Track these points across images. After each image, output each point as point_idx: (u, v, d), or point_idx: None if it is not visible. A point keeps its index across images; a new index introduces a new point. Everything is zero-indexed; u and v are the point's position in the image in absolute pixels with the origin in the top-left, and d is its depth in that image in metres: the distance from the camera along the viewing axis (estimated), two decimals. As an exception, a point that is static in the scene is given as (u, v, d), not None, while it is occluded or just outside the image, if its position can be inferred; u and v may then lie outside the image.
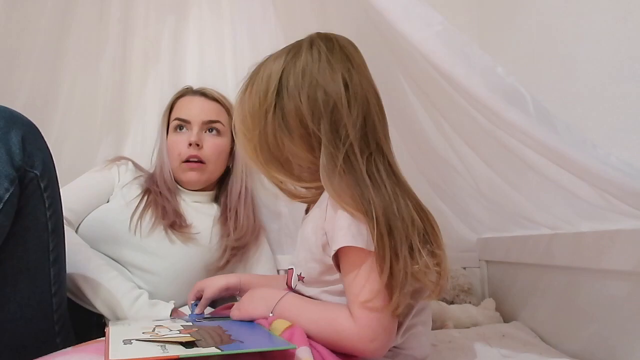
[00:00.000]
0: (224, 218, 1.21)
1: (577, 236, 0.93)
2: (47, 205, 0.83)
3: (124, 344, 0.61)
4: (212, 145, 1.21)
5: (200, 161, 1.20)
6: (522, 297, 1.20)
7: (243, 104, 0.81)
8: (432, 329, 1.12)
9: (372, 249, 0.67)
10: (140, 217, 1.11)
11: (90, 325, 1.01)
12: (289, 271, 0.84)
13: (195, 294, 1.00)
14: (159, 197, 1.15)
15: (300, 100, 0.74)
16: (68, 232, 0.94)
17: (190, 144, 1.18)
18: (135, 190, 1.18)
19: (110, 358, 0.55)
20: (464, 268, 1.42)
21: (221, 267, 1.16)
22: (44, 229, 0.84)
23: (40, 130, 0.83)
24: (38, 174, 0.81)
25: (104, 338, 0.69)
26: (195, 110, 1.23)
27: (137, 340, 0.64)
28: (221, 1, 1.48)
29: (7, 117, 0.78)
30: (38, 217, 0.82)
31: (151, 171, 1.26)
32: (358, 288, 0.68)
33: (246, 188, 1.26)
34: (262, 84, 0.79)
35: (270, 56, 0.83)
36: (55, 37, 1.33)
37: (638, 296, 0.79)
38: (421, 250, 0.69)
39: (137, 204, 1.14)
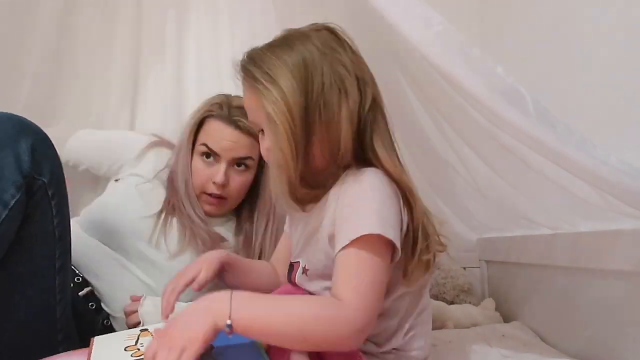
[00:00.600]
0: (245, 249, 1.14)
1: (577, 236, 0.93)
2: (54, 213, 0.84)
3: None
4: (238, 182, 1.12)
5: (222, 197, 1.12)
6: (522, 297, 1.20)
7: (279, 93, 0.73)
8: (432, 329, 1.12)
9: (390, 236, 0.67)
10: (165, 235, 1.08)
11: (95, 330, 1.01)
12: (294, 265, 0.84)
13: (185, 284, 0.84)
14: (187, 219, 1.09)
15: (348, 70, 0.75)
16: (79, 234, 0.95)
17: (214, 183, 1.09)
18: (156, 197, 1.13)
19: None
20: (464, 268, 1.43)
21: None
22: (51, 237, 0.84)
23: (43, 126, 0.84)
24: (46, 181, 0.81)
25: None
26: (227, 144, 1.09)
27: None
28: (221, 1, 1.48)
29: (17, 124, 0.79)
30: (45, 224, 0.83)
31: (171, 173, 1.18)
32: (360, 273, 0.66)
33: (274, 217, 1.16)
34: (297, 67, 0.74)
35: (286, 42, 0.78)
36: (58, 36, 1.33)
37: (638, 296, 0.79)
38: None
39: (158, 217, 1.09)
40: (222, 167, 1.09)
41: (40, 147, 0.81)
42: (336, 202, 0.73)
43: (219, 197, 1.12)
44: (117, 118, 1.41)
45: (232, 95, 1.15)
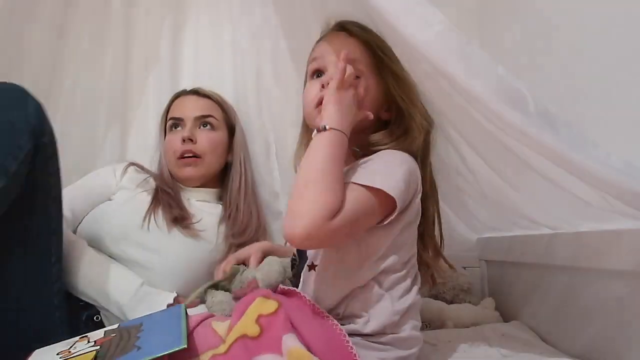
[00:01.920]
0: (226, 215, 1.21)
1: (577, 236, 0.93)
2: (51, 172, 0.90)
3: None
4: (206, 139, 1.23)
5: (195, 155, 1.22)
6: (522, 296, 1.20)
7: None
8: (432, 329, 1.12)
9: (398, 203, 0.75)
10: (153, 214, 1.12)
11: (79, 321, 1.01)
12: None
13: (237, 261, 1.02)
14: (164, 194, 1.17)
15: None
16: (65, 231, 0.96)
17: (184, 140, 1.21)
18: (142, 190, 1.18)
19: None
20: (464, 267, 1.42)
21: None
22: (48, 197, 0.90)
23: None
24: (47, 143, 0.88)
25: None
26: (188, 107, 1.26)
27: None
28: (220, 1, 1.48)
29: (23, 90, 0.88)
30: (44, 183, 0.89)
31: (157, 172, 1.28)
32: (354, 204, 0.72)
33: (246, 182, 1.28)
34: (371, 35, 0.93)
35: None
36: (56, 36, 1.34)
37: (638, 296, 0.79)
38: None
39: (147, 202, 1.15)
40: (187, 126, 1.23)
41: (43, 112, 0.89)
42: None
43: (194, 157, 1.22)
44: (107, 130, 1.42)
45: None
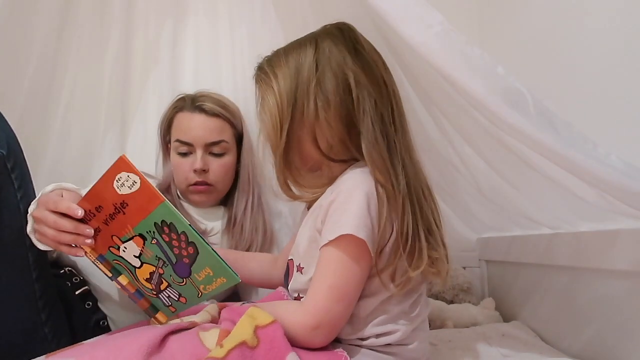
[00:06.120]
0: (229, 229, 1.18)
1: (577, 236, 0.93)
2: (16, 186, 0.82)
3: None
4: (218, 167, 1.15)
5: (207, 184, 1.15)
6: (522, 296, 1.20)
7: (276, 85, 0.81)
8: (432, 329, 1.12)
9: (370, 244, 0.69)
10: None
11: (87, 325, 1.01)
12: (289, 262, 0.85)
13: None
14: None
15: (344, 72, 0.78)
16: None
17: (195, 170, 1.13)
18: None
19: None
20: (464, 267, 1.43)
21: None
22: (16, 211, 0.82)
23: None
24: (4, 153, 0.80)
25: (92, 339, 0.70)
26: (197, 131, 1.14)
27: None
28: (220, 1, 1.48)
29: None
30: (8, 198, 0.81)
31: (160, 179, 1.23)
32: (328, 275, 0.70)
33: (252, 202, 1.20)
34: (296, 65, 0.80)
35: (289, 46, 0.85)
36: (56, 36, 1.33)
37: (638, 296, 0.79)
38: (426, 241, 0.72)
39: None
40: (198, 154, 1.13)
41: None
42: (327, 200, 0.74)
43: (205, 185, 1.15)
44: (107, 130, 1.41)
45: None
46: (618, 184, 0.67)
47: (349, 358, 0.70)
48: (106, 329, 1.02)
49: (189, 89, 1.33)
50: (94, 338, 0.78)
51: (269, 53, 0.88)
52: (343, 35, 0.82)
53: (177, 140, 1.16)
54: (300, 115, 0.78)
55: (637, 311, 0.79)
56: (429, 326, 1.13)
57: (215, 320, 0.77)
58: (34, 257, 0.84)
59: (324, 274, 0.71)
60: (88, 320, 1.01)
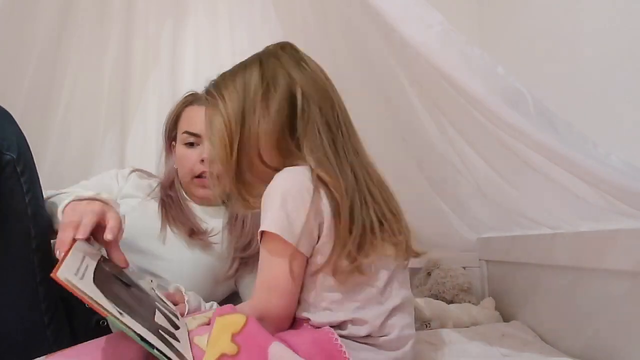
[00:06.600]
0: (230, 226, 1.18)
1: (577, 236, 0.93)
2: (25, 190, 0.82)
3: (76, 273, 0.63)
4: None
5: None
6: (522, 296, 1.20)
7: (223, 107, 0.84)
8: (432, 329, 1.12)
9: (288, 236, 0.73)
10: (169, 224, 1.12)
11: (88, 325, 1.01)
12: None
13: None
14: (173, 205, 1.15)
15: (289, 85, 0.81)
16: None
17: (202, 160, 1.13)
18: (150, 198, 1.17)
19: (56, 274, 0.58)
20: (464, 267, 1.43)
21: (230, 276, 1.14)
22: (24, 215, 0.82)
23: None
24: (14, 157, 0.80)
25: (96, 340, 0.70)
26: None
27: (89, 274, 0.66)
28: (220, 1, 1.48)
29: None
30: (17, 202, 0.81)
31: (162, 177, 1.24)
32: (264, 269, 0.76)
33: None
34: (243, 85, 0.83)
35: (234, 68, 0.88)
36: (56, 36, 1.34)
37: (638, 296, 0.79)
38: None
39: (156, 210, 1.13)
40: (206, 144, 1.12)
41: (5, 123, 0.80)
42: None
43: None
44: (107, 130, 1.41)
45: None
46: (618, 184, 0.67)
47: (336, 334, 0.71)
48: (106, 330, 1.02)
49: (189, 89, 1.33)
50: (95, 339, 0.78)
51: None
52: (286, 52, 0.85)
53: (186, 132, 1.17)
54: (248, 132, 0.81)
55: (637, 311, 0.79)
56: (429, 326, 1.14)
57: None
58: (39, 260, 0.84)
59: (259, 271, 0.77)
60: (89, 321, 1.01)
